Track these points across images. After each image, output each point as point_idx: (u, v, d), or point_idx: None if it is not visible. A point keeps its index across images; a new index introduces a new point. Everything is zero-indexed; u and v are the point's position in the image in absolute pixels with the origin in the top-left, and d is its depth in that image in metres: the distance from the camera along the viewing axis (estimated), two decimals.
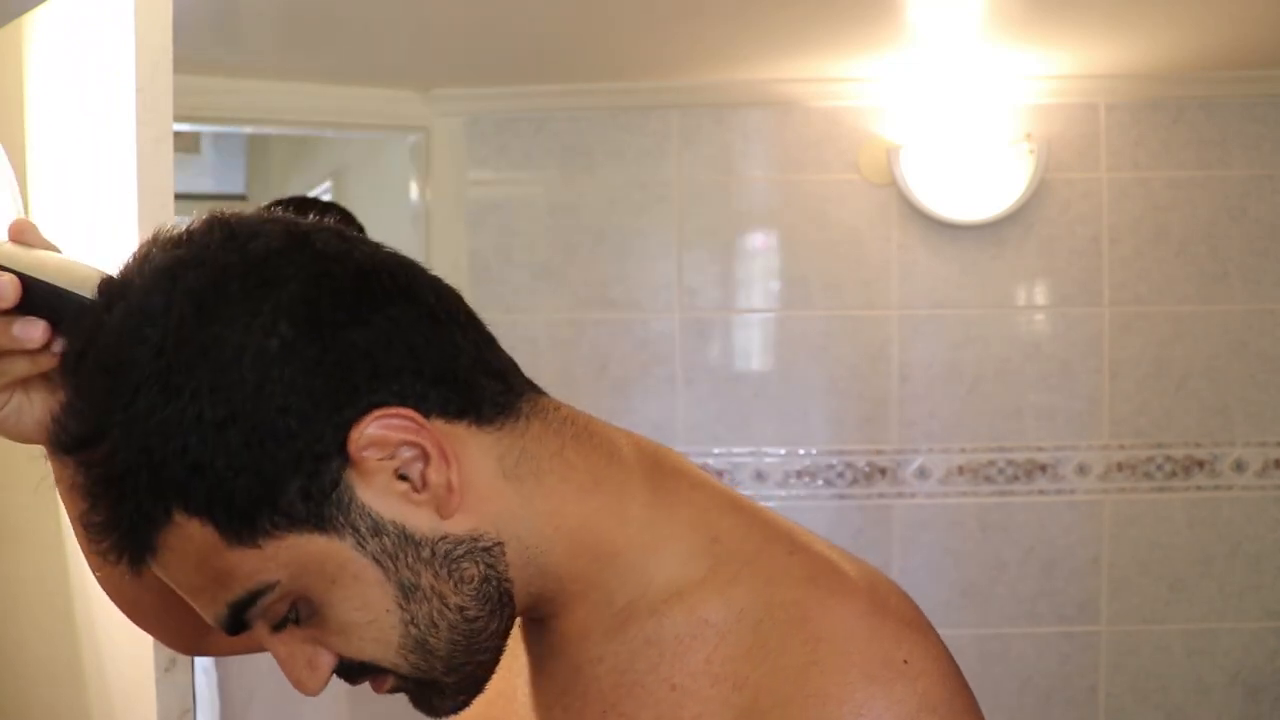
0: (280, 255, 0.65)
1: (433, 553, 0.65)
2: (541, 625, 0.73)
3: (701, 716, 0.65)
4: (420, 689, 0.69)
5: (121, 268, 0.67)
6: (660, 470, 0.72)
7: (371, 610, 0.65)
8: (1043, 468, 2.91)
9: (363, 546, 0.64)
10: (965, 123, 2.83)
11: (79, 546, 0.91)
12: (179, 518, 0.63)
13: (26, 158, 1.36)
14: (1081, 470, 2.91)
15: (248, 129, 3.25)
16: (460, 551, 0.66)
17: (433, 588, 0.65)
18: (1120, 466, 2.90)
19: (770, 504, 0.74)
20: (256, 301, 0.63)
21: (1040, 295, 2.94)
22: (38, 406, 0.73)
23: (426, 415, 0.64)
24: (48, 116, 1.33)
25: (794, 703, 0.62)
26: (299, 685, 0.69)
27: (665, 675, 0.67)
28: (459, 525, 0.66)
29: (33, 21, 1.33)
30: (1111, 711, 2.92)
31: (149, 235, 0.67)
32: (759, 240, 2.98)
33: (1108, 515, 2.91)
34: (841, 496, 2.92)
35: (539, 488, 0.68)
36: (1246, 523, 2.90)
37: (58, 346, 0.69)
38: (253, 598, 0.65)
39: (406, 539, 0.65)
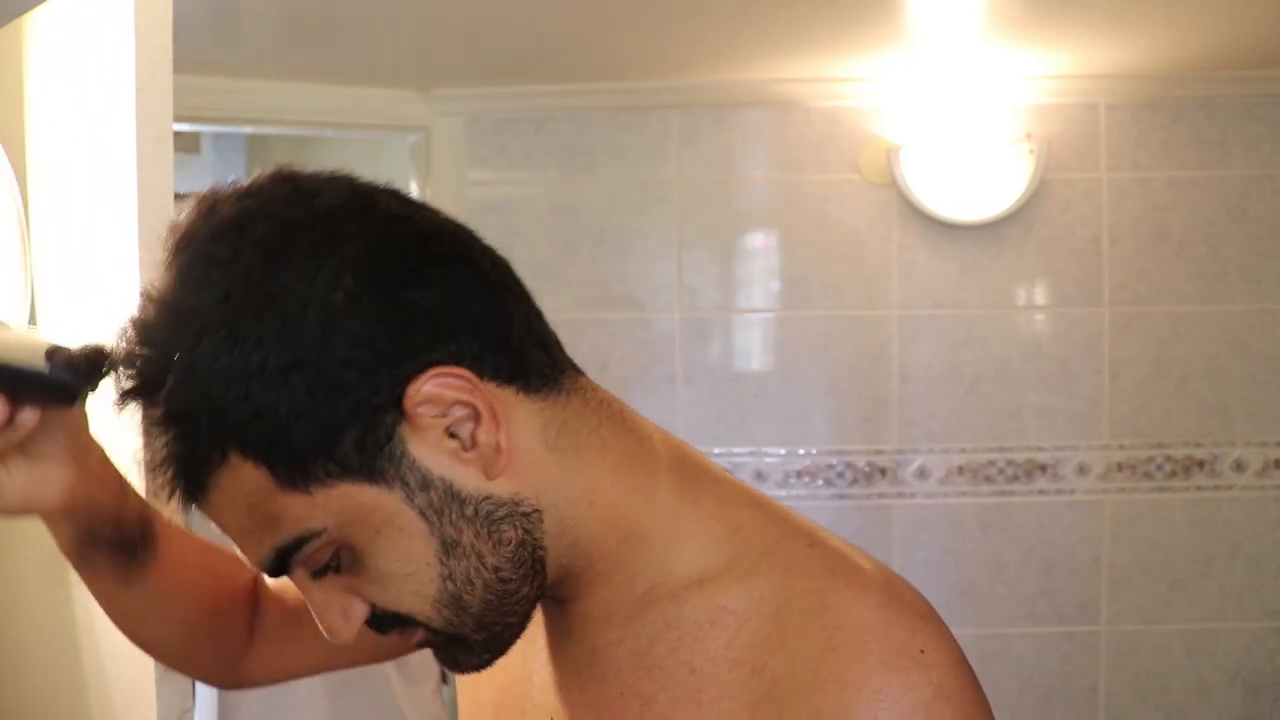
0: (345, 212, 0.67)
1: (475, 511, 0.67)
2: (560, 608, 0.74)
3: (719, 700, 0.66)
4: (448, 644, 0.71)
5: (185, 218, 0.68)
6: (685, 462, 0.74)
7: (413, 562, 0.67)
8: (1043, 468, 2.91)
9: (410, 500, 0.66)
10: (965, 123, 2.83)
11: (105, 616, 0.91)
12: (235, 459, 0.64)
13: (26, 158, 1.36)
14: (1081, 470, 2.91)
15: (248, 129, 3.25)
16: (501, 513, 0.67)
17: (472, 545, 0.67)
18: (1120, 466, 2.90)
19: (774, 500, 0.75)
20: (322, 256, 0.64)
21: (1040, 295, 2.94)
22: (18, 478, 0.74)
23: (480, 377, 0.66)
24: (48, 116, 1.33)
25: (811, 688, 0.63)
26: (331, 632, 0.70)
27: (684, 659, 0.68)
28: (502, 488, 0.67)
29: (33, 21, 1.33)
30: (1111, 711, 2.92)
31: (207, 190, 0.68)
32: (759, 240, 2.97)
33: (1108, 515, 2.91)
34: (841, 496, 2.93)
35: (578, 461, 0.70)
36: (1246, 523, 2.90)
37: (25, 417, 0.70)
38: (299, 543, 0.66)
39: (452, 495, 0.66)
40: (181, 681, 1.19)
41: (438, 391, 0.65)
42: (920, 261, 2.91)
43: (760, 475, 2.91)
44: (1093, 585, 2.91)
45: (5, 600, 1.49)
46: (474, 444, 0.66)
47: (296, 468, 0.64)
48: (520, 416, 0.68)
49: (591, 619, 0.72)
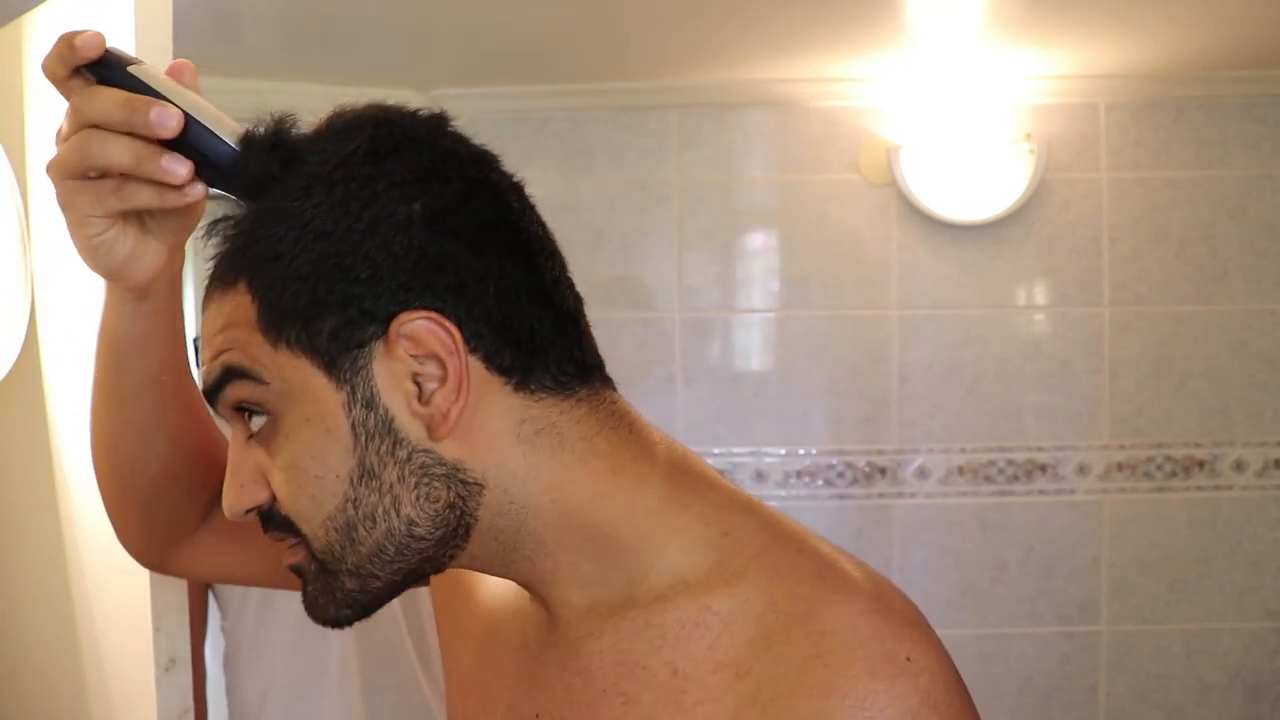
0: (465, 161, 0.71)
1: (409, 456, 0.67)
2: (541, 602, 0.74)
3: (702, 703, 0.66)
4: (317, 579, 0.71)
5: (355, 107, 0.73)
6: (683, 470, 0.73)
7: (324, 468, 0.67)
8: (1043, 468, 2.91)
9: (349, 408, 0.67)
10: (965, 123, 2.83)
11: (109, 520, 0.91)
12: (241, 285, 0.68)
13: (26, 158, 1.36)
14: (1081, 470, 2.91)
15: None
16: (438, 471, 0.68)
17: (391, 486, 0.67)
18: (1120, 466, 2.90)
19: (770, 504, 0.74)
20: (421, 178, 0.68)
21: (1040, 295, 2.94)
22: (128, 243, 0.76)
23: (471, 350, 0.67)
24: (48, 116, 1.33)
25: (796, 694, 0.63)
26: (229, 497, 0.71)
27: (667, 659, 0.67)
28: (448, 451, 0.68)
29: (33, 21, 1.33)
30: (1111, 711, 2.92)
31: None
32: (759, 240, 2.98)
33: (1108, 515, 2.92)
34: (841, 496, 2.93)
35: (550, 461, 0.70)
36: (1246, 523, 2.90)
37: (194, 189, 0.73)
38: (240, 373, 0.69)
39: (389, 429, 0.67)
40: (182, 681, 1.19)
41: (423, 334, 0.66)
42: (920, 261, 2.91)
43: (760, 475, 2.91)
44: (1093, 585, 2.91)
45: (5, 600, 1.49)
46: (428, 401, 0.67)
47: (278, 319, 0.67)
48: (498, 405, 0.69)
49: (574, 616, 0.72)
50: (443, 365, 0.67)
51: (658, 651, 0.68)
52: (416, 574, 0.71)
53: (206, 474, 0.92)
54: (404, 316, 0.66)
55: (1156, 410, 2.90)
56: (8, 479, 1.45)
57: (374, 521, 0.67)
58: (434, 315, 0.66)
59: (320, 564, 0.70)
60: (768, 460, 2.93)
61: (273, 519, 0.70)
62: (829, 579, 0.67)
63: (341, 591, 0.70)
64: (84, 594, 1.32)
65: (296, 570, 0.72)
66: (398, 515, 0.67)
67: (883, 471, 2.93)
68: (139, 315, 0.81)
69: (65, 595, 1.34)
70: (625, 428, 0.73)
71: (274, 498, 0.70)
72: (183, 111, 0.70)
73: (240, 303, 0.68)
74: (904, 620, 0.66)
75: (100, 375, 0.85)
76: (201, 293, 0.74)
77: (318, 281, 0.66)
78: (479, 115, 2.92)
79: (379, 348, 0.67)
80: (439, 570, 0.72)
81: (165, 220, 0.77)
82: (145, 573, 1.19)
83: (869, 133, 2.89)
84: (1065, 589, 2.92)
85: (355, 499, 0.67)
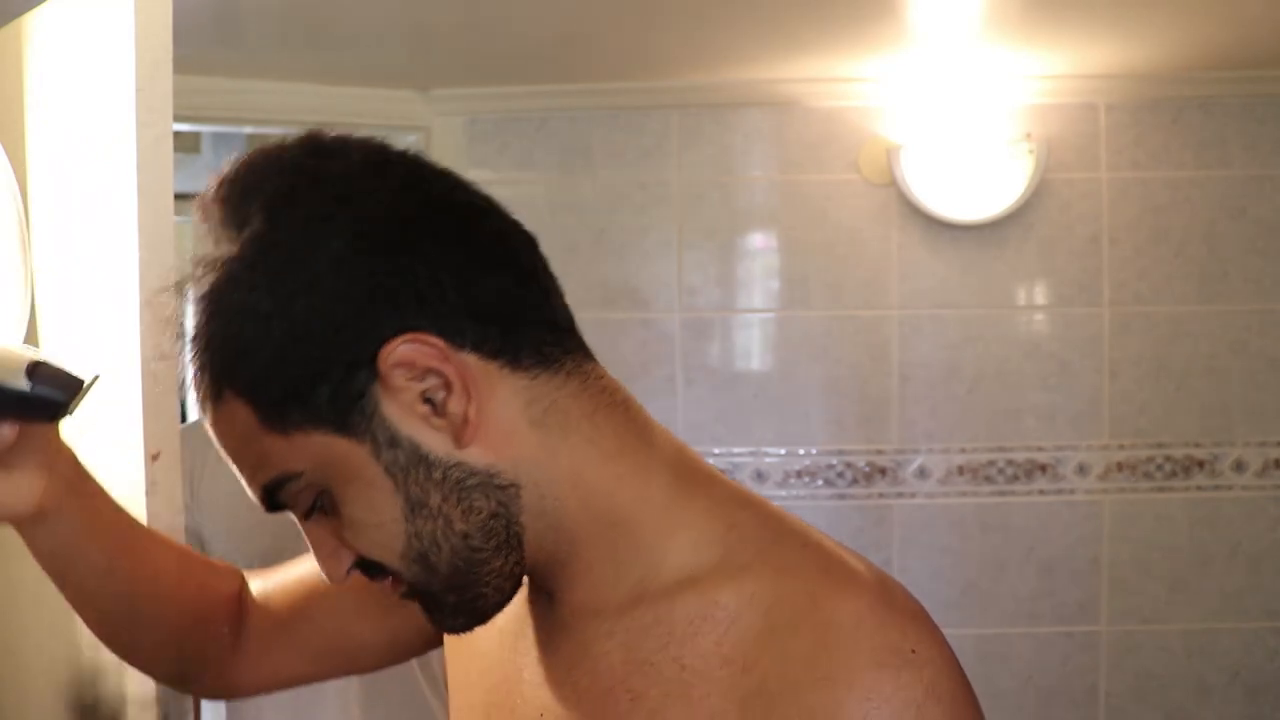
0: (357, 176, 0.70)
1: (444, 476, 0.68)
2: (551, 600, 0.74)
3: (710, 697, 0.66)
4: (425, 600, 0.73)
5: (223, 169, 0.71)
6: (684, 461, 0.74)
7: (380, 514, 0.69)
8: (1042, 468, 2.91)
9: (378, 455, 0.68)
10: (965, 123, 2.83)
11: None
12: (229, 395, 0.69)
13: (26, 158, 1.36)
14: (1081, 470, 2.91)
15: (248, 129, 3.24)
16: (473, 482, 0.69)
17: (439, 509, 0.68)
18: (1120, 466, 2.90)
19: (771, 501, 0.75)
20: (324, 214, 0.68)
21: (1040, 295, 2.94)
22: None
23: (460, 348, 0.68)
24: (48, 116, 1.33)
25: (802, 686, 0.63)
26: (325, 570, 0.73)
27: (675, 655, 0.68)
28: (476, 458, 0.68)
29: (33, 21, 1.33)
30: (1111, 711, 2.92)
31: (249, 150, 0.72)
32: (759, 240, 2.98)
33: (1108, 515, 2.91)
34: (841, 496, 2.93)
35: (564, 442, 0.70)
36: (1246, 523, 2.90)
37: (4, 434, 0.74)
38: (280, 482, 0.70)
39: (419, 457, 0.68)
40: None
41: (410, 356, 0.66)
42: (920, 261, 2.91)
43: (760, 475, 2.91)
44: (1093, 585, 2.91)
45: (5, 600, 1.49)
46: (444, 412, 0.67)
47: (275, 411, 0.67)
48: (503, 392, 0.69)
49: (582, 613, 0.72)
50: (441, 374, 0.67)
51: (665, 648, 0.68)
52: (512, 579, 0.72)
53: (211, 608, 0.93)
54: (384, 351, 0.66)
55: (1156, 410, 2.90)
56: None
57: (438, 546, 0.69)
58: (412, 335, 0.66)
59: (419, 593, 0.72)
60: (768, 460, 2.93)
61: (370, 567, 0.72)
62: (834, 573, 0.68)
63: (448, 606, 0.72)
64: None
65: (408, 596, 0.74)
66: (453, 533, 0.69)
67: (883, 471, 2.92)
68: (57, 532, 0.82)
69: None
70: (621, 407, 0.74)
71: (358, 555, 0.72)
72: None
73: (237, 413, 0.69)
74: (908, 614, 0.66)
75: (61, 588, 0.87)
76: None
77: (292, 360, 0.67)
78: (479, 115, 2.92)
79: (378, 389, 0.67)
80: (522, 573, 0.72)
81: (16, 453, 0.77)
82: None
83: (869, 133, 2.89)
84: (1065, 589, 2.92)
85: (416, 532, 0.69)
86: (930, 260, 2.91)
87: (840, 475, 2.93)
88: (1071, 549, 2.92)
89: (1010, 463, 2.91)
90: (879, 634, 0.64)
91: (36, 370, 0.71)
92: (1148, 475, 2.90)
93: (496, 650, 0.79)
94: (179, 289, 0.71)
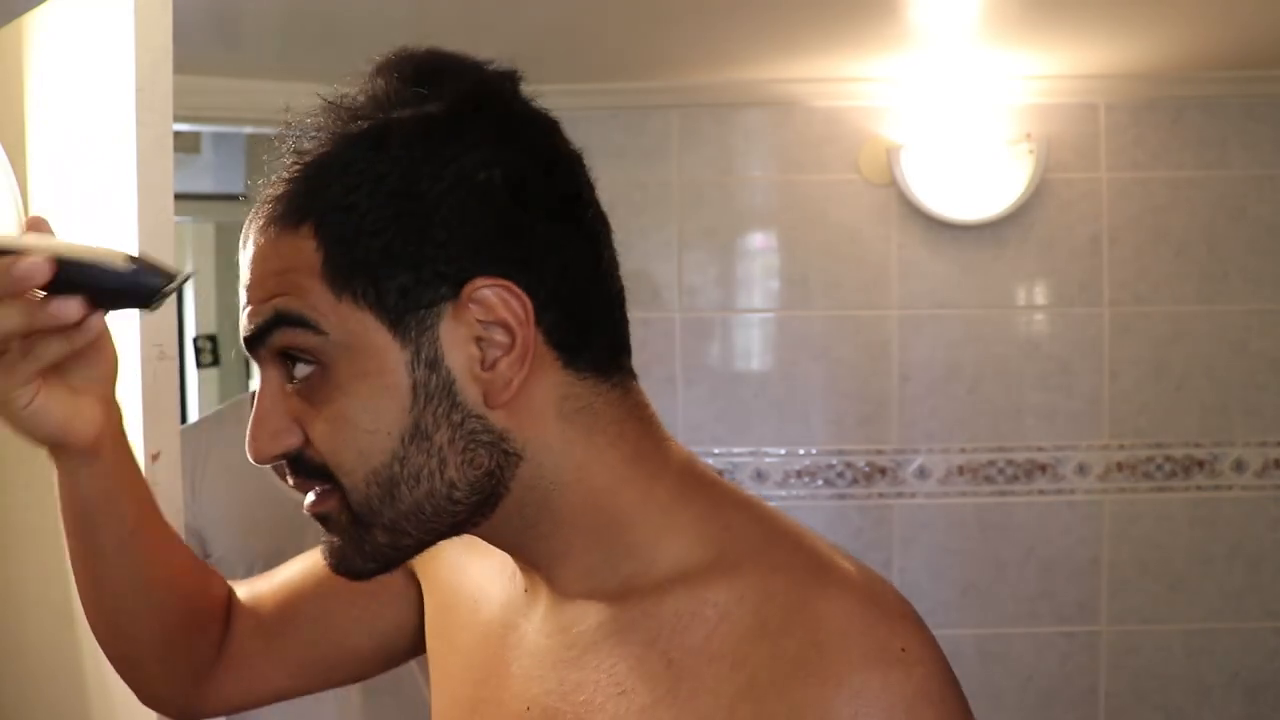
0: (543, 134, 0.72)
1: (463, 420, 0.68)
2: (542, 588, 0.74)
3: (698, 694, 0.66)
4: (350, 529, 0.70)
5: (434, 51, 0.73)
6: (692, 469, 0.75)
7: (376, 422, 0.67)
8: (1043, 468, 2.91)
9: (413, 367, 0.67)
10: (965, 123, 2.83)
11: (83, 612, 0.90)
12: (305, 230, 0.67)
13: (27, 158, 1.36)
14: (1081, 470, 2.91)
15: (248, 129, 3.25)
16: (485, 438, 0.68)
17: (441, 449, 0.68)
18: (1120, 466, 2.90)
19: (770, 504, 0.75)
20: (504, 145, 0.69)
21: (1040, 295, 2.94)
22: (58, 406, 0.75)
23: (538, 324, 0.68)
24: (48, 116, 1.33)
25: (792, 684, 0.63)
26: (251, 441, 0.70)
27: (663, 649, 0.67)
28: (498, 419, 0.68)
29: (33, 21, 1.33)
30: (1111, 711, 2.92)
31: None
32: (759, 240, 2.98)
33: (1108, 515, 2.91)
34: (841, 496, 2.93)
35: (584, 440, 0.71)
36: (1246, 523, 2.90)
37: (95, 321, 0.72)
38: (292, 321, 0.67)
39: (449, 391, 0.67)
40: None
41: (495, 301, 0.67)
42: (920, 261, 2.91)
43: (760, 475, 2.91)
44: (1092, 585, 2.91)
45: (5, 600, 1.49)
46: (492, 367, 0.67)
47: (345, 271, 0.66)
48: (549, 377, 0.69)
49: (572, 604, 0.72)
50: (511, 333, 0.67)
51: (653, 643, 0.68)
52: (443, 536, 0.71)
53: (206, 605, 0.92)
54: (478, 281, 0.66)
55: (1156, 410, 2.90)
56: (8, 479, 1.45)
57: (418, 481, 0.68)
58: (509, 284, 0.67)
59: (354, 515, 0.70)
60: (768, 460, 2.93)
61: (302, 465, 0.70)
62: (825, 573, 0.68)
63: (372, 545, 0.70)
64: None
65: (322, 518, 0.71)
66: (441, 477, 0.68)
67: (883, 471, 2.93)
68: (96, 476, 0.81)
69: (66, 595, 1.34)
70: (647, 420, 0.75)
71: (303, 445, 0.69)
72: (49, 257, 0.69)
73: (302, 248, 0.67)
74: (899, 614, 0.66)
75: (76, 545, 0.85)
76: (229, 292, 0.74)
77: (392, 238, 0.66)
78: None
79: (448, 309, 0.67)
80: (458, 533, 0.72)
81: (86, 371, 0.76)
82: None
83: (869, 133, 2.89)
84: (1065, 589, 2.92)
85: (404, 457, 0.68)
86: (930, 260, 2.91)
87: (840, 475, 2.93)
88: (1071, 549, 2.92)
89: (1010, 463, 2.91)
90: (869, 633, 0.64)
91: (137, 259, 0.70)
92: (1148, 475, 2.90)
93: (484, 644, 0.79)
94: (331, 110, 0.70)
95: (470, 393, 0.68)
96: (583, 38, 2.49)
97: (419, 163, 0.67)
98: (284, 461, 0.71)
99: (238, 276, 0.72)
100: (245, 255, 0.70)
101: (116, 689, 1.26)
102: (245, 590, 0.96)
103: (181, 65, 1.18)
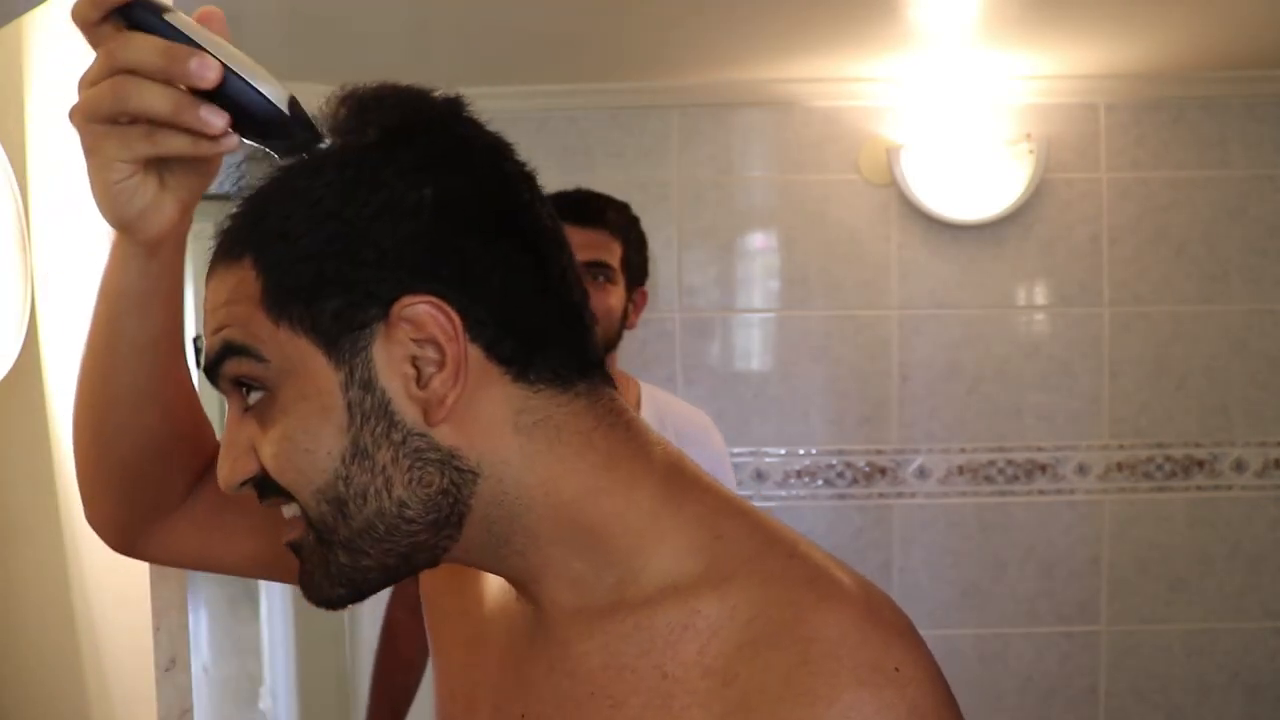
0: (478, 152, 0.73)
1: (404, 439, 0.68)
2: (530, 602, 0.74)
3: (690, 708, 0.65)
4: (316, 550, 0.71)
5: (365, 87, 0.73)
6: (678, 472, 0.73)
7: (316, 444, 0.68)
8: (1043, 468, 2.91)
9: (346, 388, 0.68)
10: (965, 123, 2.83)
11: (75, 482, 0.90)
12: (247, 260, 0.69)
13: (27, 158, 1.36)
14: (1081, 470, 2.91)
15: None
16: (432, 456, 0.68)
17: (384, 468, 0.68)
18: (1120, 466, 2.90)
19: (770, 504, 0.75)
20: (431, 166, 0.70)
21: (1040, 295, 2.94)
22: (147, 194, 0.75)
23: (471, 338, 0.68)
24: (48, 116, 1.33)
25: (783, 701, 0.62)
26: (218, 470, 0.72)
27: (655, 662, 0.67)
28: (444, 437, 0.68)
29: (33, 21, 1.33)
30: (1111, 711, 2.92)
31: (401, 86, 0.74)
32: (759, 240, 2.98)
33: (1108, 515, 2.92)
34: (841, 496, 2.93)
35: (548, 452, 0.70)
36: (1246, 523, 2.91)
37: (229, 141, 0.72)
38: (241, 350, 0.69)
39: (385, 411, 0.68)
40: (182, 681, 1.19)
41: (423, 318, 0.67)
42: (920, 261, 2.91)
43: (760, 475, 2.91)
44: (1092, 585, 2.92)
45: (5, 600, 1.49)
46: (426, 385, 0.67)
47: (281, 298, 0.68)
48: (496, 393, 0.69)
49: (563, 617, 0.71)
50: (441, 350, 0.67)
51: (646, 655, 0.67)
52: (410, 560, 0.71)
53: (192, 455, 0.90)
54: (405, 300, 0.67)
55: (1156, 410, 2.90)
56: (8, 479, 1.45)
57: (365, 500, 0.68)
58: (435, 300, 0.67)
59: (317, 534, 0.70)
60: (768, 460, 2.93)
61: (268, 488, 0.71)
62: (820, 586, 0.67)
63: (335, 565, 0.70)
64: (84, 593, 1.32)
65: (294, 547, 0.72)
66: (389, 496, 0.68)
67: (883, 471, 2.93)
68: (145, 274, 0.80)
69: (65, 595, 1.34)
70: (622, 426, 0.73)
71: (263, 470, 0.70)
72: (221, 63, 0.68)
73: (244, 278, 0.69)
74: (893, 630, 0.65)
75: (97, 335, 0.84)
76: (202, 294, 0.74)
77: (324, 262, 0.67)
78: (479, 115, 2.92)
79: (379, 330, 0.67)
80: (434, 561, 0.71)
81: (183, 176, 0.77)
82: (145, 571, 1.19)
83: (869, 133, 2.89)
84: (1065, 589, 2.92)
85: (346, 476, 0.68)
86: (930, 260, 2.91)
87: (840, 475, 2.93)
88: (1071, 549, 2.92)
89: (1010, 463, 2.91)
90: (862, 650, 0.63)
91: (296, 105, 0.71)
92: (1148, 475, 2.90)
93: (479, 649, 0.79)
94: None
95: (409, 411, 0.68)
96: (583, 38, 2.49)
97: (351, 186, 0.68)
98: (253, 489, 0.71)
99: None
100: (207, 291, 0.72)
101: (117, 689, 1.26)
102: None
103: None
